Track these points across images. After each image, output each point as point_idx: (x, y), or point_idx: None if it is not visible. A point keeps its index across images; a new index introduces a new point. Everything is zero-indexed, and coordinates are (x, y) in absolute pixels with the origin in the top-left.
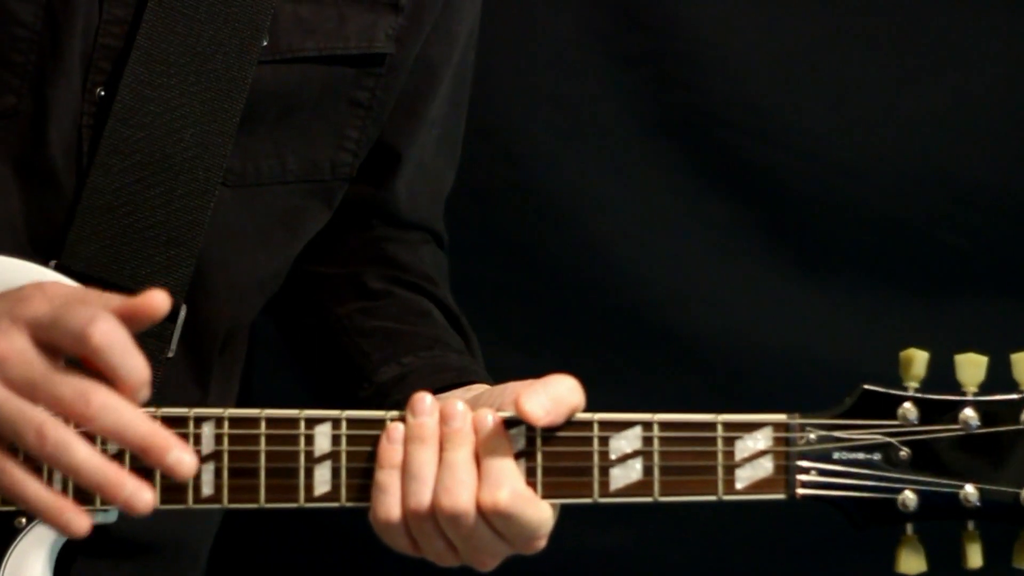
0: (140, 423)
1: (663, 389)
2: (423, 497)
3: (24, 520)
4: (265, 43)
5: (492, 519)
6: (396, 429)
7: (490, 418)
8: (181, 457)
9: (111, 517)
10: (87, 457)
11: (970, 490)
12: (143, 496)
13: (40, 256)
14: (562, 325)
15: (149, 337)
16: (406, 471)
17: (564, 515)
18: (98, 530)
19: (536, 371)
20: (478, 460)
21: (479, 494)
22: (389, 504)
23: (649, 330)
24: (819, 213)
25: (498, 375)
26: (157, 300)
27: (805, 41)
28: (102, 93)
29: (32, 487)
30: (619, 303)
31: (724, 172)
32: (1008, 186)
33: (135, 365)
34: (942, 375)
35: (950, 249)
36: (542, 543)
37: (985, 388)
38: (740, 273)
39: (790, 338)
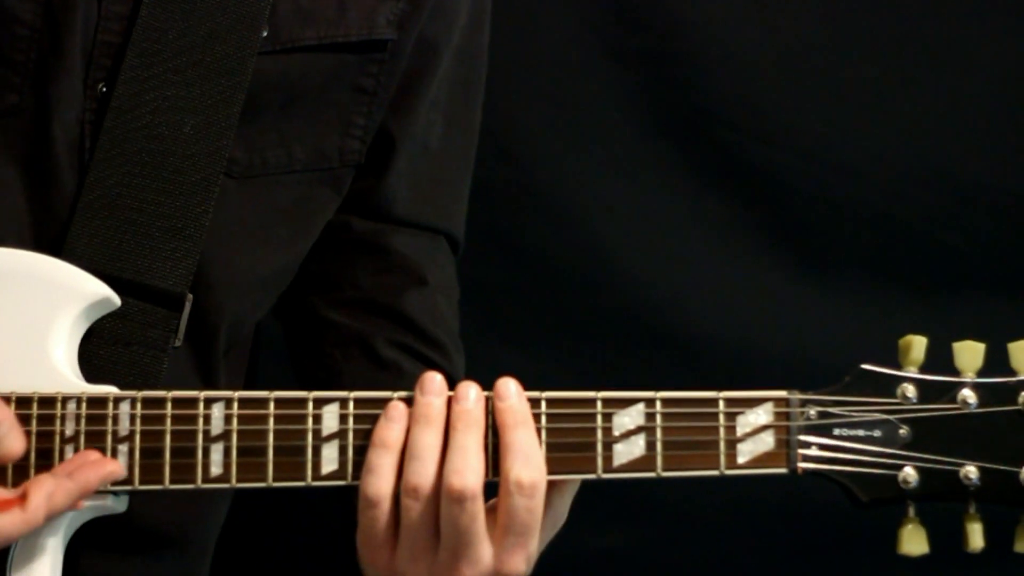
0: None
1: (663, 388)
2: (424, 478)
3: None
4: (265, 34)
5: (516, 495)
6: (396, 408)
7: (512, 386)
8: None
9: (121, 506)
10: None
11: (970, 469)
12: None
13: (45, 252)
14: (562, 325)
15: (155, 328)
16: (409, 451)
17: None
18: (107, 524)
19: (536, 371)
20: (502, 431)
21: (509, 468)
22: (376, 484)
23: (649, 330)
24: (819, 213)
25: (498, 375)
26: None
27: (805, 41)
28: (103, 89)
29: None
30: (619, 303)
31: (724, 172)
32: (1008, 186)
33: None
34: (940, 365)
35: (950, 249)
36: (524, 566)
37: (983, 374)
38: (740, 273)
39: (790, 338)
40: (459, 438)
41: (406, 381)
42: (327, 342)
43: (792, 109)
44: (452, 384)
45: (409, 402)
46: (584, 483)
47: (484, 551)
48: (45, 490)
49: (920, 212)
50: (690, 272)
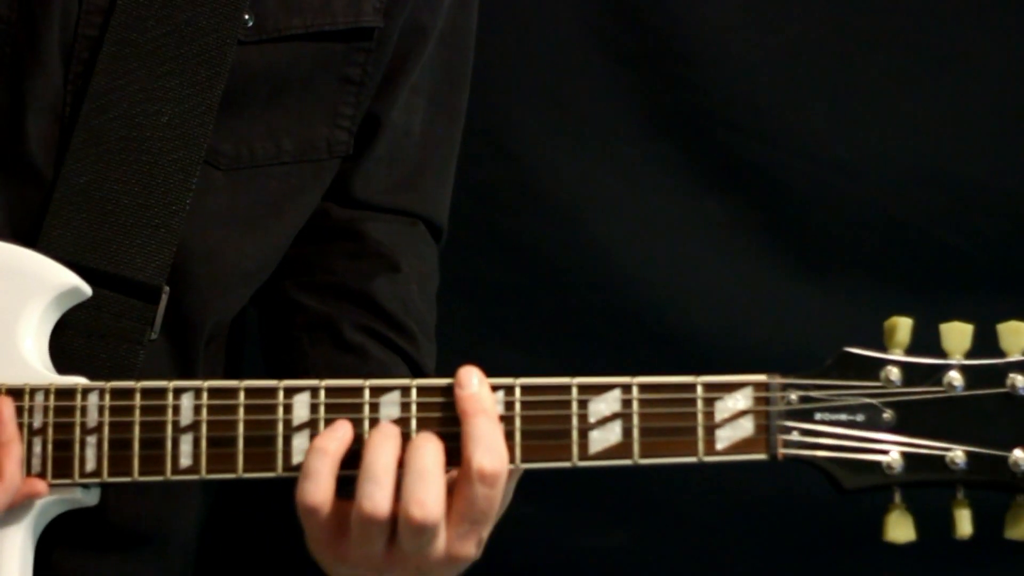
0: None
1: None
2: (381, 504)
3: None
4: (251, 23)
5: (478, 483)
6: (343, 426)
7: (474, 375)
8: None
9: (92, 499)
10: None
11: (957, 453)
12: None
13: (20, 244)
14: (562, 325)
15: (131, 320)
16: (364, 470)
17: (563, 515)
18: (82, 520)
19: (535, 371)
20: (464, 419)
21: (471, 456)
22: (313, 492)
23: (649, 330)
24: (819, 213)
25: (498, 375)
26: None
27: (805, 41)
28: (81, 82)
29: None
30: (619, 303)
31: (724, 172)
32: (1008, 186)
33: None
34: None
35: (950, 249)
36: (475, 551)
37: (971, 357)
38: (740, 273)
39: (790, 337)
40: (415, 462)
41: (371, 365)
42: (296, 325)
43: (792, 109)
44: (417, 373)
45: (377, 392)
46: (584, 483)
47: (439, 543)
48: (16, 454)
49: (920, 212)
50: (690, 272)
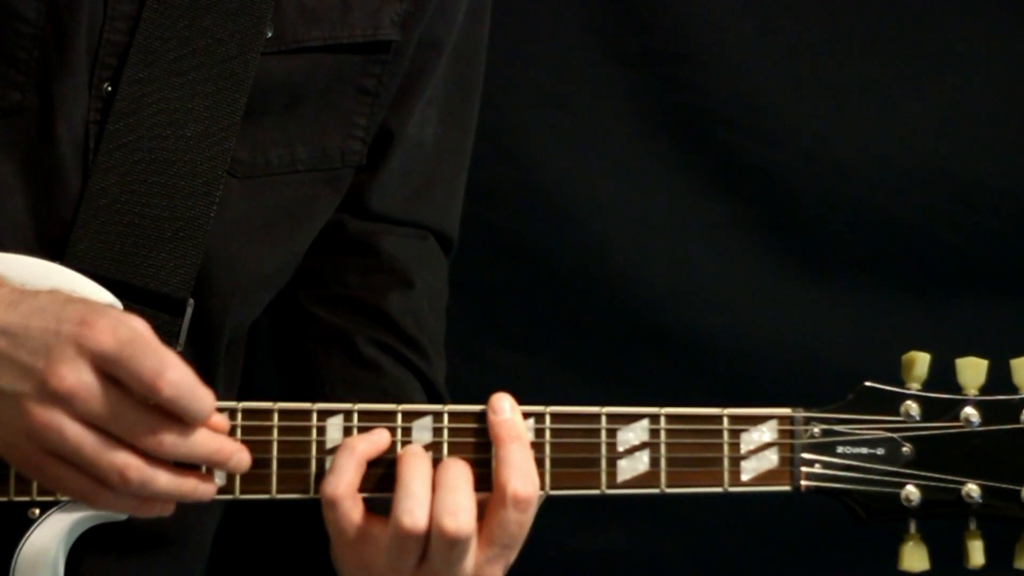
0: (205, 446)
1: (663, 389)
2: (421, 519)
3: (37, 511)
4: (270, 34)
5: (511, 508)
6: (380, 432)
7: (507, 402)
8: (241, 458)
9: (122, 514)
10: (166, 484)
11: (972, 487)
12: (208, 490)
13: (46, 254)
14: (562, 325)
15: (157, 333)
16: (401, 488)
17: (564, 515)
18: (104, 525)
19: (535, 371)
20: (498, 444)
21: (507, 482)
22: (334, 484)
23: (649, 330)
24: (819, 213)
25: (498, 375)
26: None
27: (805, 41)
28: (108, 89)
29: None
30: (619, 303)
31: (724, 172)
32: (1008, 186)
33: (202, 406)
34: (942, 375)
35: (950, 249)
36: (501, 574)
37: (985, 390)
38: (740, 273)
39: (790, 338)
40: (446, 477)
41: (386, 381)
42: (309, 337)
43: (792, 109)
44: (429, 390)
45: (409, 417)
46: None
47: (468, 563)
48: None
49: (921, 212)
50: (690, 272)
